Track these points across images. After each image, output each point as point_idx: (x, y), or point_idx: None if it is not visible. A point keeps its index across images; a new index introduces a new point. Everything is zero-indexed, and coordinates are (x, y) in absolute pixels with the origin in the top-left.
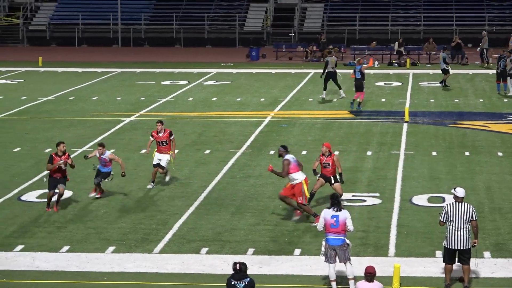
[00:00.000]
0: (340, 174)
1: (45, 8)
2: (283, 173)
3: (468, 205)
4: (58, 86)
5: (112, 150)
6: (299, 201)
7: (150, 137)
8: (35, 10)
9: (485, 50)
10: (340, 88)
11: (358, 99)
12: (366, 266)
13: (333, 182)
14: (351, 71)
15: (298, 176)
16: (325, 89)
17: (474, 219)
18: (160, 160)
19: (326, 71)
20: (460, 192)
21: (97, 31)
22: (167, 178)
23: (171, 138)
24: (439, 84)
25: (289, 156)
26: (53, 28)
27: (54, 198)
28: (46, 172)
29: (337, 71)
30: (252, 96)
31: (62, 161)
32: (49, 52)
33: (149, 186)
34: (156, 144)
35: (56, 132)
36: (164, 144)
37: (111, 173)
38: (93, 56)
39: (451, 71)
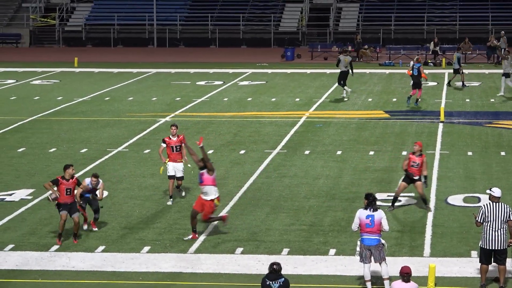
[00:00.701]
0: (425, 177)
1: (81, 9)
2: (206, 158)
3: (505, 205)
4: (93, 87)
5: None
6: (204, 218)
7: (163, 143)
8: (71, 11)
9: (503, 49)
10: (344, 87)
11: (416, 96)
12: (402, 266)
13: (416, 179)
14: (387, 71)
15: (212, 193)
16: (343, 86)
17: (511, 219)
18: (175, 170)
19: (340, 70)
20: (496, 192)
21: (133, 32)
22: (183, 193)
23: (184, 143)
24: (461, 85)
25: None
26: (89, 29)
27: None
28: (49, 192)
29: (355, 70)
30: (287, 96)
31: (53, 196)
32: (84, 52)
33: (168, 203)
34: (167, 151)
35: (92, 132)
36: (178, 149)
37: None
38: (129, 57)
39: (464, 71)
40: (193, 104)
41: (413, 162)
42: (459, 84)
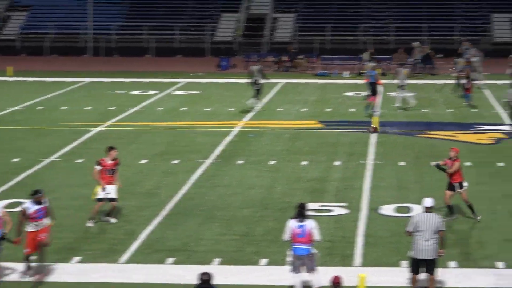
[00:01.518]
0: (460, 183)
1: (16, 18)
2: None
3: (436, 215)
4: (27, 96)
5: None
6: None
7: (98, 166)
8: (6, 19)
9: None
10: (255, 97)
11: (373, 103)
12: (333, 275)
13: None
14: (322, 81)
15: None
16: (255, 95)
17: (442, 229)
18: (109, 192)
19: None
20: (428, 202)
21: (68, 41)
22: (114, 220)
23: (117, 167)
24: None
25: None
26: (24, 38)
27: None
28: None
29: (291, 80)
30: (221, 106)
31: None
32: (19, 61)
33: (89, 225)
34: (101, 174)
35: (25, 141)
36: (112, 173)
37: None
38: (64, 66)
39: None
40: (127, 113)
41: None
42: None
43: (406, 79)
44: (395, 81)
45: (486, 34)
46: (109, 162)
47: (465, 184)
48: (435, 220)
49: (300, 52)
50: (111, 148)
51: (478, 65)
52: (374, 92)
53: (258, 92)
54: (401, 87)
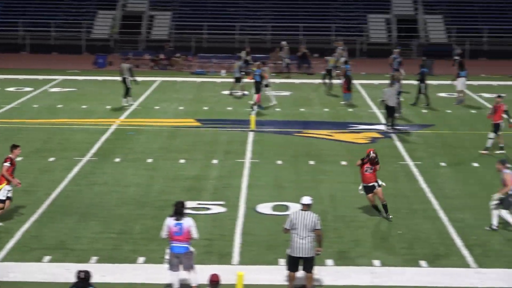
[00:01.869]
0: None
1: None
2: None
3: (312, 214)
4: None
5: None
6: None
7: (8, 163)
8: None
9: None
10: (126, 96)
11: (256, 100)
12: (211, 274)
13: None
14: (199, 79)
15: None
16: (125, 96)
17: (318, 228)
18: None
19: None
20: (304, 200)
21: None
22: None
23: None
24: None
25: None
26: None
27: None
28: None
29: (167, 78)
30: (98, 103)
31: None
32: None
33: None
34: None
35: None
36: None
37: None
38: None
39: (243, 80)
40: (2, 110)
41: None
42: (240, 93)
43: (269, 78)
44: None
45: (362, 34)
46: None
47: (380, 182)
48: (311, 218)
49: (177, 50)
50: (17, 147)
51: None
52: (258, 90)
53: (128, 90)
54: (265, 85)
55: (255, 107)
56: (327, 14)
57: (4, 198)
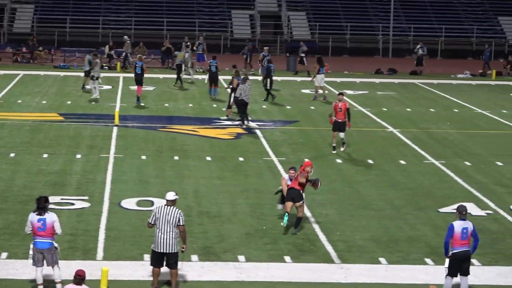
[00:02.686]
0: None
1: None
2: None
3: (176, 209)
4: None
5: None
6: None
7: None
8: None
9: (128, 54)
10: None
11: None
12: (76, 269)
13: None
14: (62, 73)
15: None
16: None
17: (181, 224)
18: None
19: None
20: (168, 195)
21: None
22: None
23: None
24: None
25: None
26: None
27: None
28: None
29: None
30: None
31: None
32: None
33: None
34: None
35: None
36: None
37: None
38: None
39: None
40: None
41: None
42: (88, 87)
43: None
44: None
45: (226, 30)
46: None
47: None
48: (173, 214)
49: (40, 43)
50: None
51: (189, 60)
52: (139, 83)
53: None
54: (96, 78)
55: (138, 100)
56: (191, 10)
57: None
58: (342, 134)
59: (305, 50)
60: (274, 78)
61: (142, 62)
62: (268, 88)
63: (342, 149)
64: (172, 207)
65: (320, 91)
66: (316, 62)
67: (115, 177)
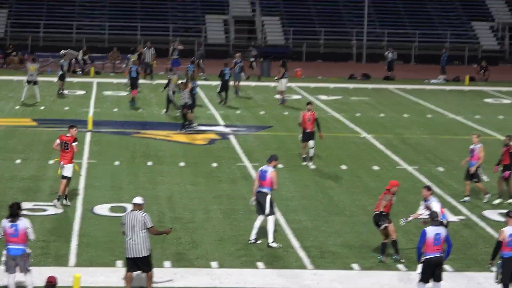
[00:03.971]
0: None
1: None
2: None
3: (140, 213)
4: None
5: None
6: None
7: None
8: None
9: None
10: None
11: (134, 95)
12: (48, 276)
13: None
14: None
15: None
16: None
17: (149, 226)
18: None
19: None
20: (135, 200)
21: None
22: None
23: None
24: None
25: None
26: None
27: None
28: None
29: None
30: None
31: None
32: None
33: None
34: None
35: None
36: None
37: None
38: None
39: (67, 79)
40: None
41: None
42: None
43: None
44: (24, 77)
45: (200, 35)
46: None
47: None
48: (140, 218)
49: (14, 48)
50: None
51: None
52: (134, 86)
53: None
54: (33, 82)
55: (132, 103)
56: (165, 14)
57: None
58: (311, 143)
59: (255, 55)
60: (247, 83)
61: (137, 65)
62: (218, 91)
63: (310, 164)
64: (138, 211)
65: (279, 96)
66: (280, 66)
67: (88, 183)
